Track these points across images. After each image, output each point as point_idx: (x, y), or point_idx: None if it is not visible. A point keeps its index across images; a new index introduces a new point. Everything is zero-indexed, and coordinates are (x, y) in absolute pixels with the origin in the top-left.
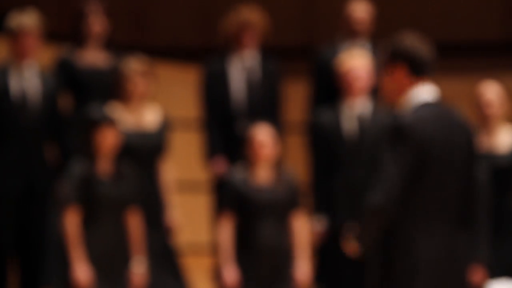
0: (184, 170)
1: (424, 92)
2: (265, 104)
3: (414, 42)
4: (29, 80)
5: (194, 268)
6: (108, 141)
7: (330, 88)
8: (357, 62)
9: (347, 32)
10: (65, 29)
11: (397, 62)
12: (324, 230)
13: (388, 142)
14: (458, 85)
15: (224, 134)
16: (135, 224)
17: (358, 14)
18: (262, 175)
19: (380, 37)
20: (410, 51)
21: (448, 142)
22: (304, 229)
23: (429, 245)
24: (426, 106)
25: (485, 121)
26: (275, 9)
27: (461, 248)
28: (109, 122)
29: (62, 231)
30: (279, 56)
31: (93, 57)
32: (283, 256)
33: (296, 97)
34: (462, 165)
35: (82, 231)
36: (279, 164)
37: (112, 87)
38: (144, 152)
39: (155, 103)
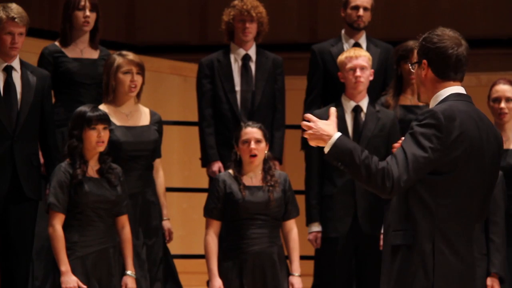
0: (181, 171)
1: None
2: (267, 101)
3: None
4: (18, 75)
5: (191, 273)
6: (100, 140)
7: (327, 85)
8: (360, 58)
9: (345, 19)
10: (54, 27)
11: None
12: (319, 236)
13: (420, 126)
14: (468, 81)
15: (222, 133)
16: (128, 237)
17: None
18: (253, 177)
19: (387, 34)
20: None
21: (481, 141)
22: (297, 235)
23: (454, 258)
24: (458, 97)
25: (498, 117)
26: (275, 5)
27: (478, 258)
28: (103, 120)
29: (49, 238)
30: (279, 52)
31: (82, 50)
32: (275, 262)
33: (296, 96)
34: (489, 170)
35: (72, 236)
36: (271, 165)
37: (103, 78)
38: (137, 152)
39: (147, 102)
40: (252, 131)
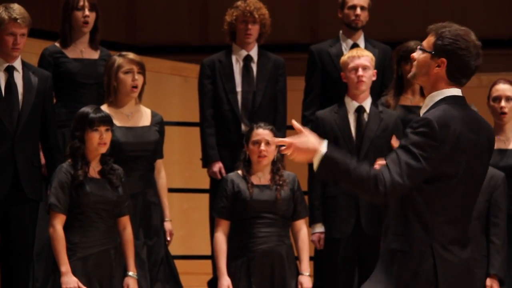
0: (181, 172)
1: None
2: (268, 102)
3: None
4: (19, 76)
5: (192, 273)
6: (102, 142)
7: (326, 86)
8: (362, 58)
9: (343, 20)
10: (55, 27)
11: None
12: (322, 236)
13: (414, 134)
14: (469, 81)
15: (222, 134)
16: (129, 238)
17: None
18: (261, 177)
19: (387, 34)
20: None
21: (476, 145)
22: (306, 235)
23: (456, 260)
24: (454, 100)
25: (498, 117)
26: (276, 6)
27: (477, 260)
28: (106, 121)
29: (50, 238)
30: (280, 53)
31: (82, 50)
32: (283, 261)
33: (297, 97)
34: (482, 173)
35: (74, 237)
36: (280, 166)
37: (104, 79)
38: (138, 152)
39: (148, 102)
40: (264, 133)
